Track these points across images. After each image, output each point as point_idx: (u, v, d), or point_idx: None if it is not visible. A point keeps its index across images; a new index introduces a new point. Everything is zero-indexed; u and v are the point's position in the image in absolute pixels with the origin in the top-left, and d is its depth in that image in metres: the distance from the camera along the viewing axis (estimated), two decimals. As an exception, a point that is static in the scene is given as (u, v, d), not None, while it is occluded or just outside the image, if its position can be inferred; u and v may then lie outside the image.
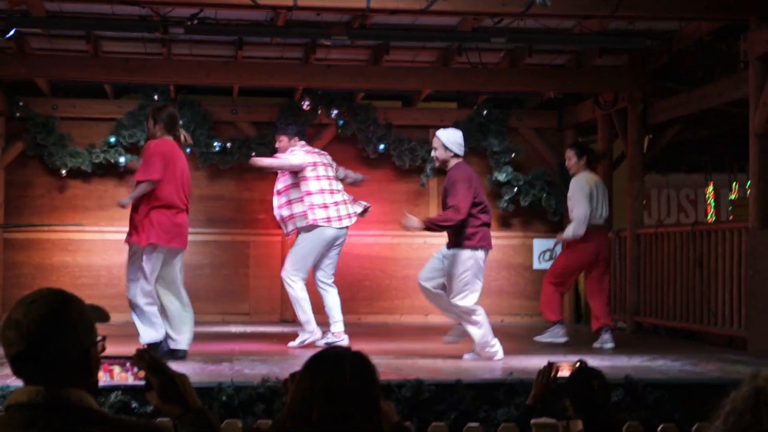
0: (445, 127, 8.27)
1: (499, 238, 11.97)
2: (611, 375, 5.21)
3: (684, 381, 6.49)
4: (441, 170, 8.41)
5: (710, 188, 13.81)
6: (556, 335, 9.06)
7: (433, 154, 7.95)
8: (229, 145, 11.49)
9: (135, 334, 7.48)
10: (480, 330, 7.69)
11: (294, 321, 10.72)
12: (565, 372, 4.71)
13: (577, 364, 4.71)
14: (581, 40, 9.77)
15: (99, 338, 2.39)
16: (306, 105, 11.41)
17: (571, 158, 9.19)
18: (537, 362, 6.10)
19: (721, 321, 8.91)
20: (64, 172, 11.32)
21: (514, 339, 9.24)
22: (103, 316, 2.67)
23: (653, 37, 9.49)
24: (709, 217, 13.58)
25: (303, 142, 8.91)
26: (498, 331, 10.53)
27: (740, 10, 8.24)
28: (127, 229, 7.49)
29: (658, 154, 11.99)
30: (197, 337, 9.30)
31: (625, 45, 9.78)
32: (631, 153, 10.69)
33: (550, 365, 4.74)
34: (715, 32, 9.29)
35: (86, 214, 11.29)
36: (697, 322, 9.39)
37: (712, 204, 13.77)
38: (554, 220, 11.84)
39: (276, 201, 8.77)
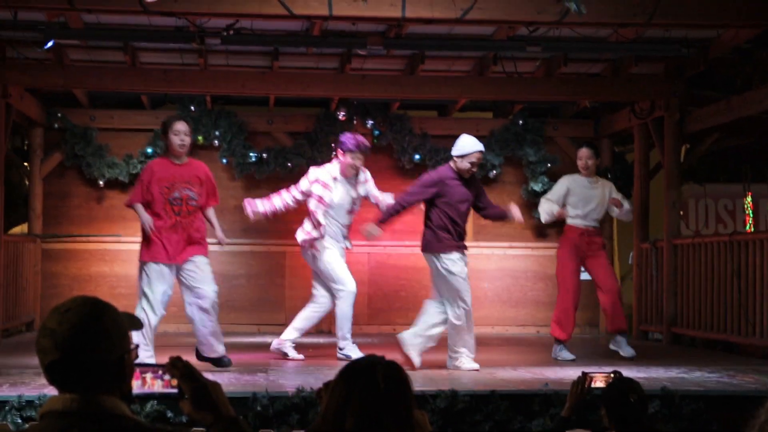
0: (480, 136, 8.26)
1: (535, 249, 11.95)
2: (647, 386, 5.17)
3: (721, 393, 6.43)
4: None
5: (749, 198, 13.66)
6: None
7: (475, 168, 7.99)
8: (265, 155, 11.53)
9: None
10: None
11: (329, 332, 10.74)
12: (599, 383, 4.67)
13: (612, 375, 4.68)
14: (617, 48, 9.72)
15: (132, 346, 2.41)
16: (342, 115, 11.43)
17: (591, 158, 8.95)
18: (572, 373, 6.08)
19: (760, 332, 8.81)
20: (101, 182, 11.42)
21: (550, 350, 9.18)
22: (136, 323, 2.67)
23: (690, 45, 9.42)
24: (747, 227, 13.44)
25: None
26: (534, 342, 10.52)
27: (778, 17, 8.16)
28: None
29: (696, 163, 11.89)
30: (233, 347, 9.34)
31: (661, 53, 9.73)
32: (668, 162, 10.61)
33: (584, 376, 4.71)
34: (753, 40, 9.20)
35: (123, 224, 11.35)
36: (735, 334, 9.28)
37: (751, 214, 13.63)
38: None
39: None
